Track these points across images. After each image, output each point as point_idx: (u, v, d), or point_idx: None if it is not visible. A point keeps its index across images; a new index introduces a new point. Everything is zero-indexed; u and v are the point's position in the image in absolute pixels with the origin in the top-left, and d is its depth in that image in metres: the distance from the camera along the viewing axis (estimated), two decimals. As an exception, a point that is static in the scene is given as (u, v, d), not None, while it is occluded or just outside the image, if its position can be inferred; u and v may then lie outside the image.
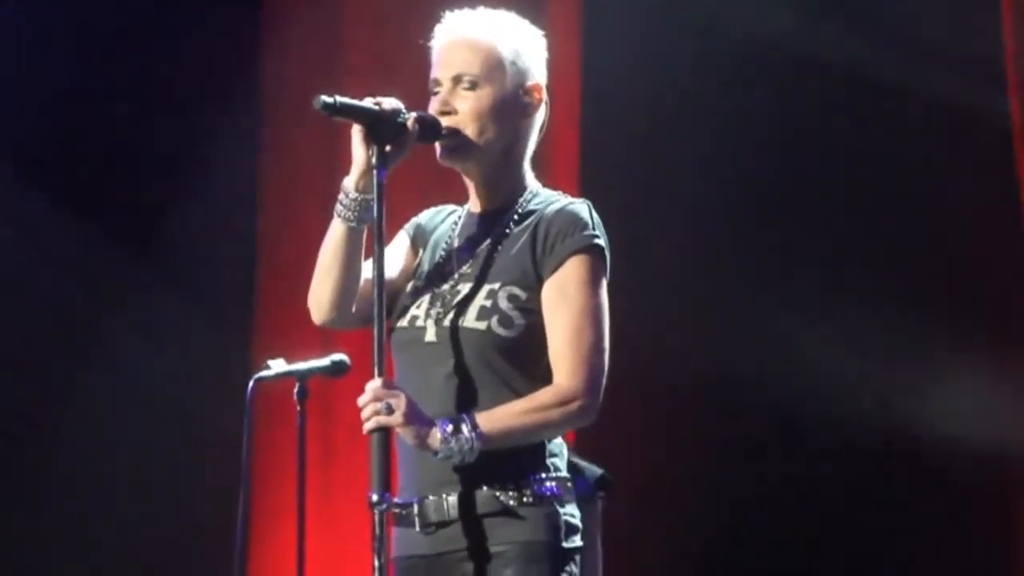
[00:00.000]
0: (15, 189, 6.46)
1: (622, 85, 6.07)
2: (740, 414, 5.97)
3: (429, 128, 3.30)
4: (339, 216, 3.30)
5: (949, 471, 5.72)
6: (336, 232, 3.32)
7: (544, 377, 3.25)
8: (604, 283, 3.29)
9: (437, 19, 3.43)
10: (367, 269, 3.34)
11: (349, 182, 3.28)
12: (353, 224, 3.29)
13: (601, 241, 3.29)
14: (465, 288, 3.31)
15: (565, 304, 3.24)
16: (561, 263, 3.26)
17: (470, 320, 3.26)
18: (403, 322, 3.35)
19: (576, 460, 4.44)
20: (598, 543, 4.80)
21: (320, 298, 3.36)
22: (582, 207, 3.32)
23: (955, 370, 5.73)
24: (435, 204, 3.55)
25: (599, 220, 3.32)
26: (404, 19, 6.11)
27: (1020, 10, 5.47)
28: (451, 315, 3.28)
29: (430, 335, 3.30)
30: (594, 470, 4.48)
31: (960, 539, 5.81)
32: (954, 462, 5.68)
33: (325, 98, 3.19)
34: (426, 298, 3.34)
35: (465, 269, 3.35)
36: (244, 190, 6.73)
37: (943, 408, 5.69)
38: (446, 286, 3.34)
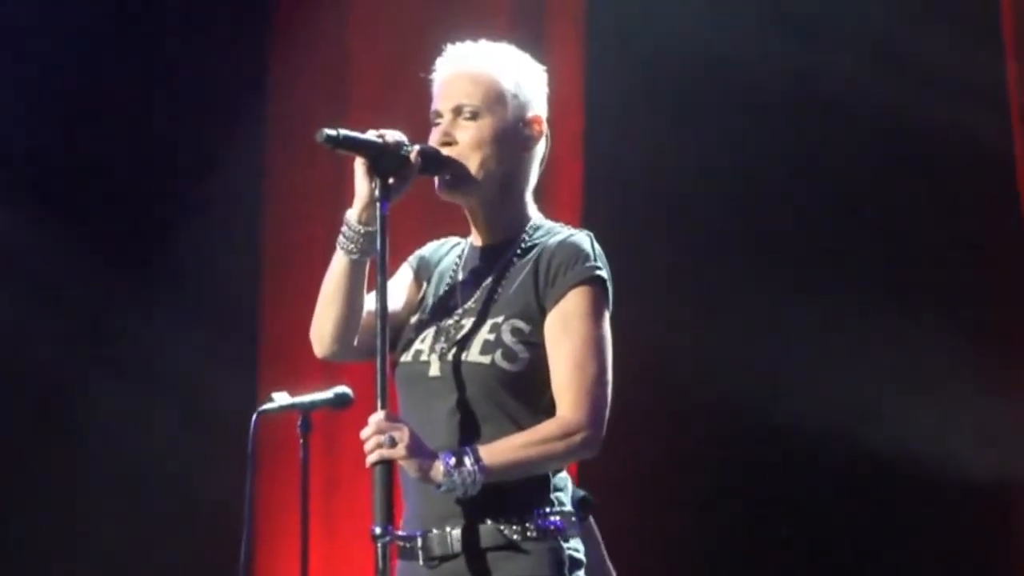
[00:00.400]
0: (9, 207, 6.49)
1: (625, 115, 6.08)
2: (738, 427, 5.98)
3: (432, 160, 3.30)
4: (342, 249, 3.30)
5: (948, 488, 5.71)
6: (339, 265, 3.31)
7: (548, 410, 3.24)
8: (607, 314, 3.28)
9: (439, 45, 3.43)
10: (370, 302, 3.33)
11: (352, 215, 3.28)
12: (356, 257, 3.29)
13: (603, 273, 3.29)
14: (469, 323, 3.30)
15: (567, 336, 3.24)
16: (563, 295, 3.25)
17: (474, 355, 3.26)
18: (407, 357, 3.35)
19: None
20: (607, 563, 4.77)
21: (322, 331, 3.36)
22: (584, 239, 3.32)
23: (956, 386, 5.72)
24: (438, 236, 3.54)
25: (601, 251, 3.31)
26: (408, 35, 6.14)
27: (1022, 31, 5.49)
28: (455, 350, 3.28)
29: (434, 370, 3.29)
30: (576, 491, 4.46)
31: (958, 554, 5.80)
32: (954, 480, 5.66)
33: (328, 131, 3.20)
34: (430, 333, 3.34)
35: (469, 304, 3.34)
36: (248, 219, 6.74)
37: (943, 424, 5.68)
38: (450, 321, 3.33)
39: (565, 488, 3.32)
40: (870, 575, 5.96)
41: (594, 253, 3.29)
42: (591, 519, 4.71)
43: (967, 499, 5.73)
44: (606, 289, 3.29)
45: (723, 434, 6.04)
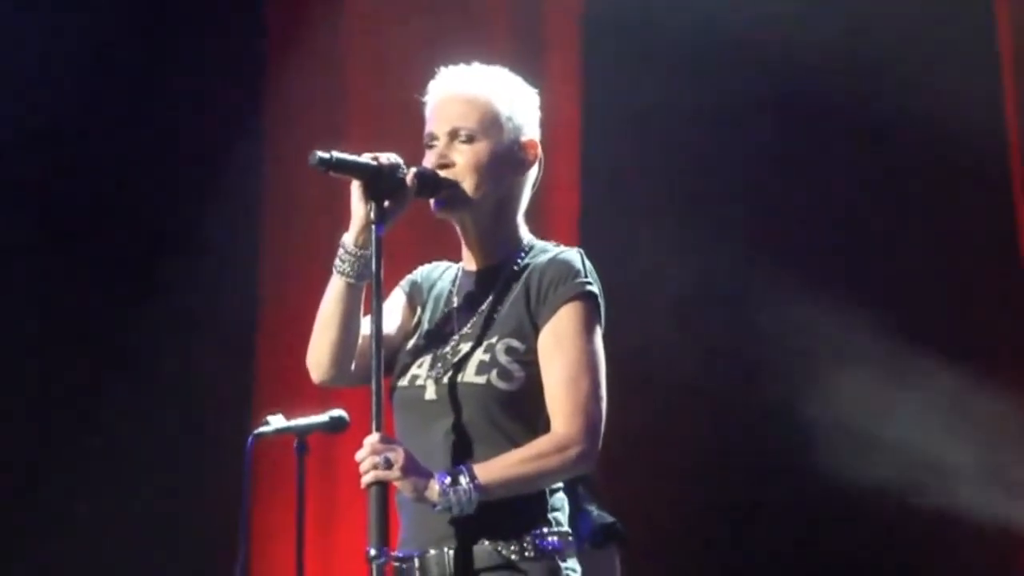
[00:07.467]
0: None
1: (623, 140, 6.11)
2: (740, 476, 6.00)
3: (428, 182, 3.30)
4: (338, 272, 3.30)
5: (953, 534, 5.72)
6: (335, 289, 3.32)
7: (546, 429, 3.24)
8: (599, 330, 3.29)
9: (435, 70, 3.43)
10: (365, 326, 3.33)
11: (348, 238, 3.28)
12: (352, 280, 3.29)
13: (594, 288, 3.29)
14: (466, 347, 3.31)
15: (560, 352, 3.24)
16: (555, 312, 3.26)
17: (469, 375, 3.26)
18: (404, 381, 3.35)
19: (588, 505, 4.41)
20: None
21: (319, 356, 3.36)
22: (574, 255, 3.33)
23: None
24: (430, 260, 3.54)
25: (591, 267, 3.32)
26: (404, 61, 6.17)
27: (1020, 64, 5.52)
28: (451, 372, 3.28)
29: (430, 393, 3.30)
30: (604, 517, 4.43)
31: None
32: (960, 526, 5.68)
33: (321, 154, 3.20)
34: (427, 359, 3.34)
35: (466, 329, 3.34)
36: (246, 246, 6.77)
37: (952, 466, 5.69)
38: (447, 347, 3.34)
39: (562, 508, 3.31)
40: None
41: (584, 269, 3.30)
42: (615, 554, 4.70)
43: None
44: (598, 304, 3.29)
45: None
